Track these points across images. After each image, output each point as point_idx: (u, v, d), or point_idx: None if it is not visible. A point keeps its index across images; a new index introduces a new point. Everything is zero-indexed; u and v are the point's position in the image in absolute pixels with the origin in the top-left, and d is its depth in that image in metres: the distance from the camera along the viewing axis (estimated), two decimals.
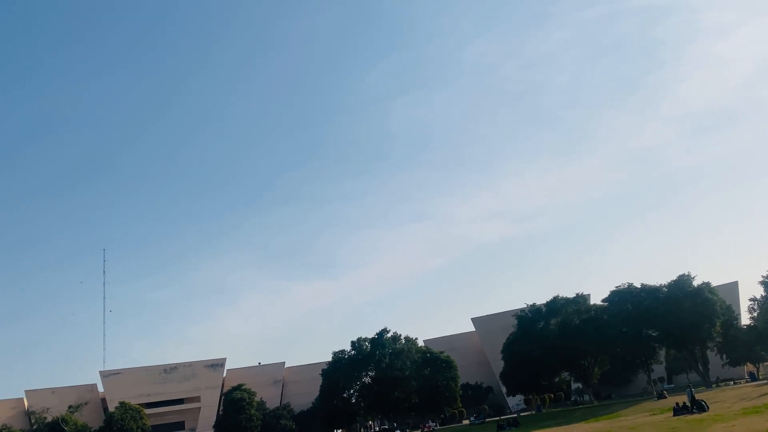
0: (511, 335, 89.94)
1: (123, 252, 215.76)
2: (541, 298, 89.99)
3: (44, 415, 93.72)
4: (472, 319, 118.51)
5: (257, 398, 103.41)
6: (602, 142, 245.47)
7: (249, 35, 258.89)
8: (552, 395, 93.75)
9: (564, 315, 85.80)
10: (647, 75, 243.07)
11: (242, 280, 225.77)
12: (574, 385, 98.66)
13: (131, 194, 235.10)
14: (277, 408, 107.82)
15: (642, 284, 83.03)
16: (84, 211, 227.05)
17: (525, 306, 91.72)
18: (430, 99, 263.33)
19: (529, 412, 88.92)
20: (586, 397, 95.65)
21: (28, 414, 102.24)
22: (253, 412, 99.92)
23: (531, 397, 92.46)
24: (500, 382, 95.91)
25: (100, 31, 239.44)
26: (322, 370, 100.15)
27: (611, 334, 78.72)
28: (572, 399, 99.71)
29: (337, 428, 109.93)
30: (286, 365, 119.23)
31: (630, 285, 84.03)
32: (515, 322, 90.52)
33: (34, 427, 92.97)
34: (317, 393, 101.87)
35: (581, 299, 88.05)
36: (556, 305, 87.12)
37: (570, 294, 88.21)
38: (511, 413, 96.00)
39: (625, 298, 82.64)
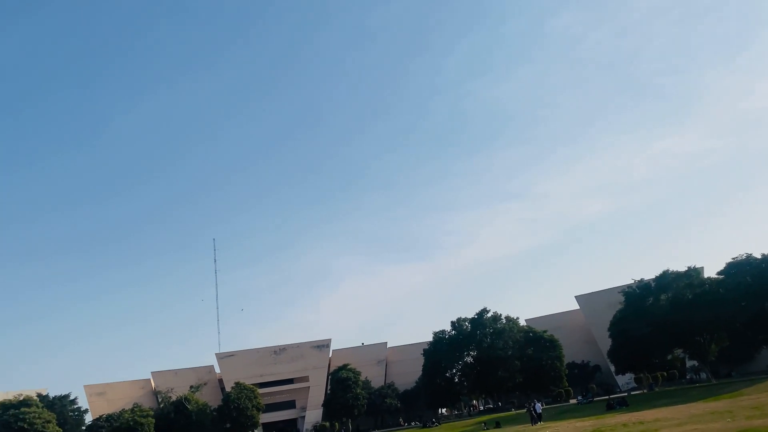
0: (618, 312, 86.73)
1: (231, 241, 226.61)
2: (649, 274, 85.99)
3: (169, 395, 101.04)
4: (575, 296, 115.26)
5: (362, 377, 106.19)
6: (707, 108, 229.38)
7: (338, 25, 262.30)
8: (665, 373, 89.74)
9: (675, 290, 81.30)
10: (755, 31, 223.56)
11: (341, 265, 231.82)
12: (689, 363, 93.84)
13: (238, 185, 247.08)
14: (382, 387, 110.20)
15: (762, 255, 77.02)
16: (195, 204, 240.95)
17: (632, 282, 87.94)
18: (515, 76, 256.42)
19: (641, 391, 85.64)
20: (703, 376, 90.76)
21: (155, 393, 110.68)
22: (359, 390, 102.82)
23: (642, 375, 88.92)
24: (608, 360, 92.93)
25: (196, 23, 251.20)
26: (424, 350, 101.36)
27: (729, 308, 73.66)
28: (687, 377, 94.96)
29: (441, 407, 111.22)
30: (388, 345, 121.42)
31: (749, 256, 78.24)
32: (622, 298, 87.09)
33: (161, 405, 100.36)
34: (420, 372, 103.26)
35: (693, 273, 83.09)
36: (666, 280, 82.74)
37: (681, 268, 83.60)
38: (620, 392, 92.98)
39: (743, 270, 77.03)
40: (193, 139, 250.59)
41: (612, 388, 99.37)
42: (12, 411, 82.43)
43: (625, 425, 41.30)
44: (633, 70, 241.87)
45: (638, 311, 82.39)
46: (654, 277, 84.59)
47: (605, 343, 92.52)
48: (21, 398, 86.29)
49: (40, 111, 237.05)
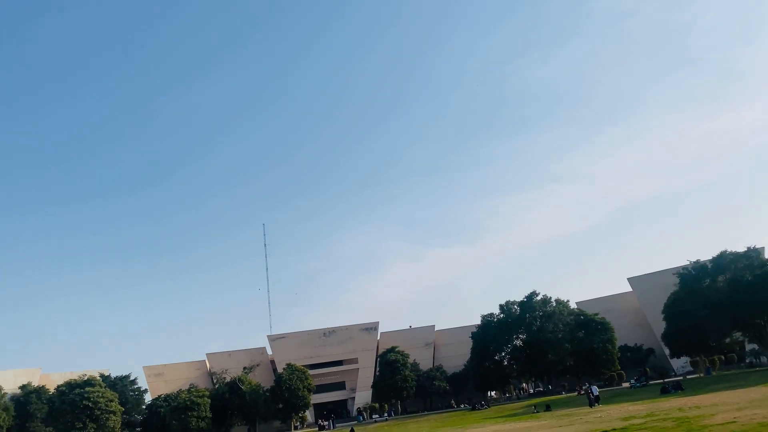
0: (672, 294, 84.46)
1: (280, 226, 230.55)
2: (704, 255, 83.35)
3: (223, 376, 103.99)
4: (628, 279, 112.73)
5: (410, 360, 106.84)
6: (763, 82, 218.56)
7: (377, 4, 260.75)
8: (722, 357, 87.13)
9: (734, 271, 78.53)
10: None
11: (387, 249, 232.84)
12: (749, 347, 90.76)
13: (286, 172, 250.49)
14: (430, 369, 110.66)
15: None
16: (245, 188, 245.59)
17: (687, 263, 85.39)
18: (560, 54, 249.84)
19: (696, 375, 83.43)
20: (763, 359, 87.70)
21: (210, 374, 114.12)
22: (407, 373, 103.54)
23: (698, 359, 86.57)
24: (662, 343, 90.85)
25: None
26: (472, 333, 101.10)
27: None
28: (747, 361, 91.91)
29: (491, 390, 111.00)
30: (436, 329, 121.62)
31: None
32: (676, 280, 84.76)
33: (216, 385, 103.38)
34: (468, 355, 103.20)
35: (753, 253, 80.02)
36: (724, 261, 79.99)
37: (739, 249, 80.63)
38: (676, 376, 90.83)
39: None
40: (239, 125, 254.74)
41: (666, 371, 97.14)
42: (77, 390, 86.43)
43: (680, 409, 40.38)
44: (686, 44, 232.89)
45: (694, 293, 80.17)
46: (711, 258, 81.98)
47: (659, 325, 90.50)
48: (85, 378, 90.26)
49: (100, 95, 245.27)
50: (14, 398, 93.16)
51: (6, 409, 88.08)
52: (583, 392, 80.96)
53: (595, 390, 60.97)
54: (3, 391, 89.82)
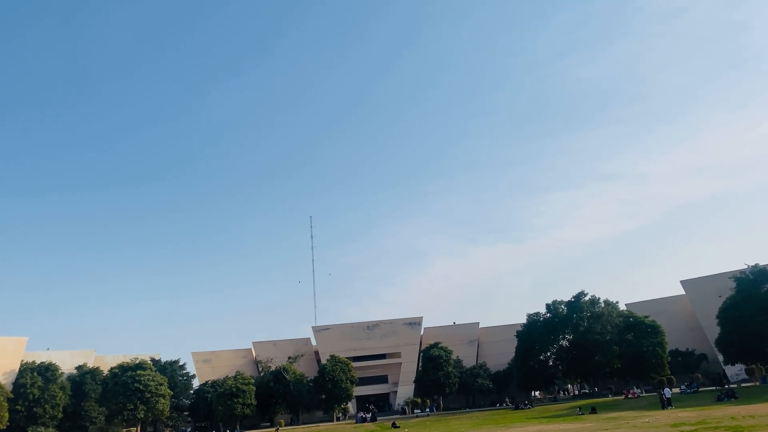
0: (728, 299, 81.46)
1: (326, 219, 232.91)
2: (763, 259, 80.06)
3: (268, 364, 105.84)
4: (681, 281, 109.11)
5: (453, 356, 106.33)
6: None
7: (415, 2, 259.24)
8: None
9: None
10: None
11: (431, 245, 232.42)
12: None
13: (333, 166, 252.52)
14: (474, 367, 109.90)
15: None
16: (292, 181, 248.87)
17: (745, 267, 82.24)
18: (610, 52, 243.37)
19: (752, 384, 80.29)
20: None
21: (256, 362, 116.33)
22: (450, 369, 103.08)
23: (754, 366, 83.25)
24: (716, 349, 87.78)
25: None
26: (517, 332, 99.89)
27: None
28: None
29: (535, 389, 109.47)
30: (480, 326, 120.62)
31: None
32: (733, 284, 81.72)
33: (261, 374, 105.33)
34: (512, 354, 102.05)
35: None
36: None
37: None
38: (729, 383, 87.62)
39: None
40: (286, 116, 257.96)
41: (719, 378, 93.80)
42: (129, 373, 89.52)
43: (733, 418, 38.95)
44: (740, 44, 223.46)
45: (751, 298, 77.29)
46: None
47: (713, 331, 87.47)
48: (137, 361, 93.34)
49: (153, 86, 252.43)
50: (70, 378, 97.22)
51: (63, 388, 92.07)
52: (630, 396, 79.29)
53: (668, 392, 60.40)
54: (60, 371, 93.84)
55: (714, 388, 76.73)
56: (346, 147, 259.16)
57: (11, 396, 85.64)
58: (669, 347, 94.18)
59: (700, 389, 78.61)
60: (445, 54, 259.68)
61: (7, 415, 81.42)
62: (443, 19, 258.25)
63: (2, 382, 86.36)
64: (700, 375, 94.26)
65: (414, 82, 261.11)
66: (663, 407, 57.91)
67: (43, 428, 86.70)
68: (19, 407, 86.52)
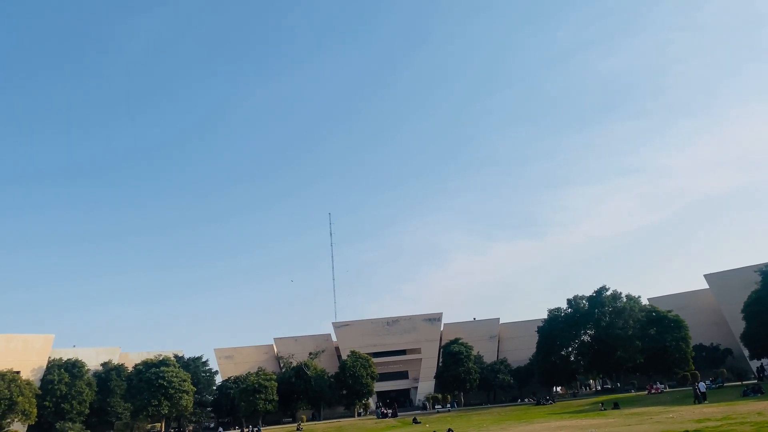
0: (754, 293, 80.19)
1: (345, 216, 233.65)
2: None
3: (290, 360, 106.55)
4: (705, 275, 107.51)
5: (474, 352, 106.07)
6: None
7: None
8: None
9: None
10: None
11: (450, 241, 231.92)
12: None
13: (352, 163, 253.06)
14: (494, 362, 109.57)
15: None
16: (312, 178, 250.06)
17: None
18: (630, 45, 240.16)
19: None
20: None
21: (277, 358, 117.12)
22: (471, 365, 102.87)
23: None
24: (741, 344, 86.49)
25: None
26: (538, 327, 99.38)
27: None
28: None
29: (556, 385, 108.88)
30: (500, 322, 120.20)
31: None
32: (758, 278, 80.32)
33: (283, 369, 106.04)
34: (533, 350, 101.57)
35: None
36: None
37: None
38: (755, 378, 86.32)
39: None
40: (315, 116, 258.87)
41: (745, 373, 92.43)
42: (153, 369, 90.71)
43: (759, 413, 38.47)
44: (763, 35, 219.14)
45: None
46: None
47: (738, 325, 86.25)
48: (161, 358, 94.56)
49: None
50: (96, 374, 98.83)
51: (89, 384, 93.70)
52: (653, 391, 78.57)
53: (702, 386, 60.06)
54: (86, 368, 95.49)
55: (739, 383, 75.64)
56: (364, 144, 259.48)
57: (39, 392, 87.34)
58: (693, 342, 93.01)
59: (725, 384, 77.57)
60: (464, 48, 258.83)
61: (35, 411, 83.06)
62: (462, 13, 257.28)
63: (31, 379, 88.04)
64: (725, 370, 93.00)
65: (431, 78, 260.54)
66: (699, 402, 57.48)
67: (70, 423, 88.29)
68: (47, 403, 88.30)
